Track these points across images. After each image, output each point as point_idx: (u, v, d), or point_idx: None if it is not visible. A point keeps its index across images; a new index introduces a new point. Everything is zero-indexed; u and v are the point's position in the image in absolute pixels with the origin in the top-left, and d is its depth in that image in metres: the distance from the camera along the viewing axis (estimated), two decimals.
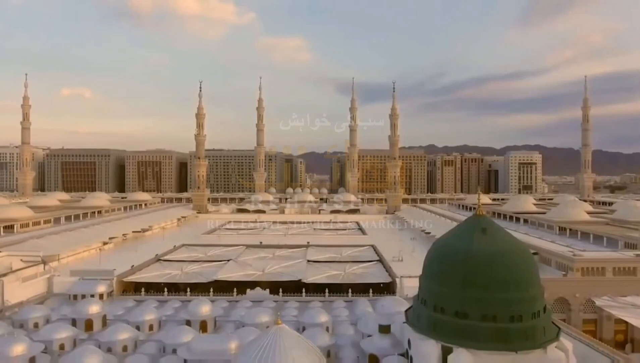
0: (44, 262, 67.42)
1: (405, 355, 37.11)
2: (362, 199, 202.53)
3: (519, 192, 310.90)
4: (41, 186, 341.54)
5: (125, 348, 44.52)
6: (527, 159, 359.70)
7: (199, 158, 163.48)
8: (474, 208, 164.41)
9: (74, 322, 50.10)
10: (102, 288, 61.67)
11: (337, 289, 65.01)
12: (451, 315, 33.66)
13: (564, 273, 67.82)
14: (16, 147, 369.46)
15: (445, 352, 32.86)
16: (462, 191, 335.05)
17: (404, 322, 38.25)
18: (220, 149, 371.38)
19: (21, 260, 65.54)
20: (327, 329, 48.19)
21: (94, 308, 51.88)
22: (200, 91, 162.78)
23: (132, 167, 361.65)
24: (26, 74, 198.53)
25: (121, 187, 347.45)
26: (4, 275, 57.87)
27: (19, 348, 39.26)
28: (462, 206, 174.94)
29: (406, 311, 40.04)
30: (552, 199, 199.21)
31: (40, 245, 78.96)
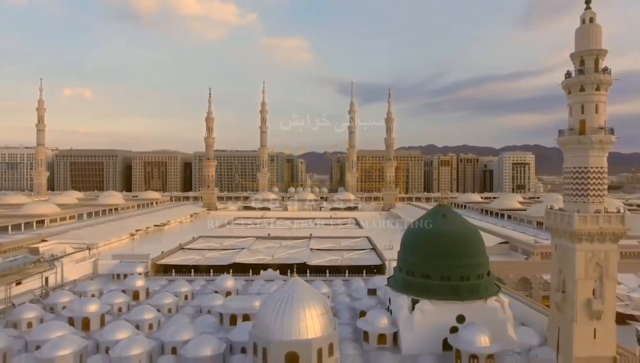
0: (89, 248, 79.80)
1: (387, 309, 49.43)
2: (361, 198, 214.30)
3: (513, 191, 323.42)
4: (51, 186, 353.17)
5: (170, 310, 56.89)
6: (521, 160, 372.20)
7: (208, 159, 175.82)
8: (465, 206, 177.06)
9: (124, 293, 62.32)
10: (139, 269, 73.88)
11: (336, 270, 77.37)
12: (418, 276, 46.06)
13: (526, 257, 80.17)
14: (26, 148, 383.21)
15: (414, 303, 45.20)
16: (457, 191, 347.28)
17: (386, 285, 50.70)
18: (224, 150, 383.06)
19: (71, 246, 77.86)
20: (328, 297, 60.42)
21: (139, 282, 64.27)
22: (210, 96, 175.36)
23: (139, 167, 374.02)
24: (41, 79, 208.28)
25: (128, 186, 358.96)
26: (62, 257, 70.16)
27: (93, 307, 51.73)
28: (454, 204, 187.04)
29: (388, 279, 52.44)
30: (539, 198, 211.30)
31: (80, 235, 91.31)
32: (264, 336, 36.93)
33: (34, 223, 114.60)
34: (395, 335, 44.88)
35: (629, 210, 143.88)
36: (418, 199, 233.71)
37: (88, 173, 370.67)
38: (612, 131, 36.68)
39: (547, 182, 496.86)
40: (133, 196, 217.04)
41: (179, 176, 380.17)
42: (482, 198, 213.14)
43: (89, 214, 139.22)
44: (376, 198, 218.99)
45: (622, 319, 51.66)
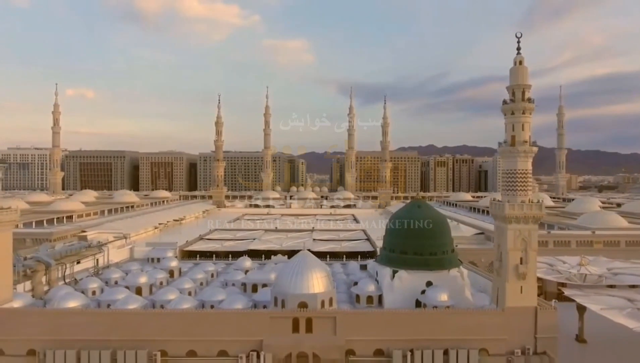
0: (125, 237, 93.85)
1: (375, 280, 63.42)
2: (360, 197, 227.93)
3: None
4: (61, 186, 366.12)
5: (202, 283, 70.86)
6: None
7: (218, 161, 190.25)
8: (456, 204, 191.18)
9: (162, 271, 76.18)
10: (170, 254, 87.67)
11: (335, 256, 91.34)
12: (398, 252, 60.12)
13: None
14: (36, 148, 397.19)
15: (394, 273, 59.17)
16: (453, 190, 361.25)
17: (374, 261, 64.80)
18: (228, 151, 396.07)
19: (112, 236, 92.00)
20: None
21: (173, 263, 78.13)
22: (219, 102, 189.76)
23: (146, 167, 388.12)
24: (56, 84, 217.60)
25: (135, 186, 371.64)
26: (107, 243, 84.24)
27: (143, 279, 65.77)
28: (446, 202, 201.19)
29: (376, 256, 66.56)
30: None
31: (114, 226, 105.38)
32: (282, 291, 51.05)
33: (64, 217, 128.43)
34: (380, 297, 58.80)
35: (603, 208, 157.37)
36: (413, 198, 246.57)
37: (97, 173, 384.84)
38: (534, 144, 50.68)
39: (544, 182, 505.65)
40: (144, 195, 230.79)
41: (185, 176, 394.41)
42: (472, 196, 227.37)
43: (110, 211, 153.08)
44: (374, 197, 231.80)
45: (566, 297, 65.32)
